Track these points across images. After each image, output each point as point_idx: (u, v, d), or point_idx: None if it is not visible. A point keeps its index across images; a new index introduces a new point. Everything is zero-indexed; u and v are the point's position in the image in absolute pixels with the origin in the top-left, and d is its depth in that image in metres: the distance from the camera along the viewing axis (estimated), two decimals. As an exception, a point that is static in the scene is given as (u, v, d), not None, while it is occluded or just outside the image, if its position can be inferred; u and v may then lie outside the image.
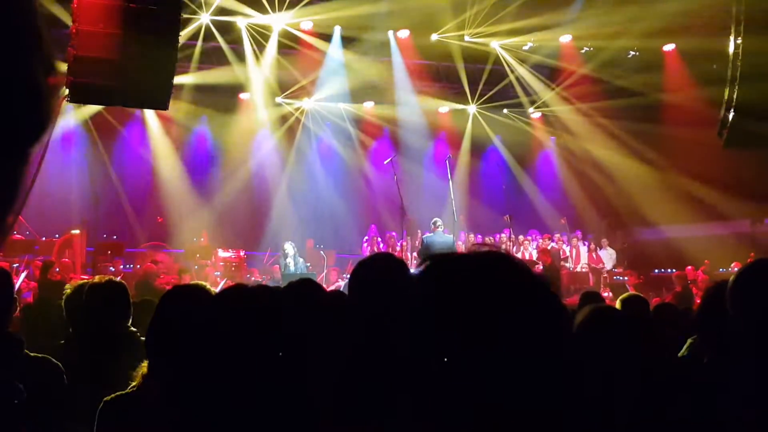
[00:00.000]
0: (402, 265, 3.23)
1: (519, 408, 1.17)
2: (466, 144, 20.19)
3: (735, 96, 11.00)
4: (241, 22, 15.80)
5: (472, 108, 19.77)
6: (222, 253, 15.80)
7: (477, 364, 1.18)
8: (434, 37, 16.48)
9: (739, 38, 10.98)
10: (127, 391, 2.71)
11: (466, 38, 16.61)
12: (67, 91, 9.82)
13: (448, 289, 1.24)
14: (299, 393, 1.95)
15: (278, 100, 18.49)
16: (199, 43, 16.00)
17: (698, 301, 3.17)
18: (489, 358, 1.18)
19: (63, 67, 9.58)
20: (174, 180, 18.27)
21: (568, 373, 1.22)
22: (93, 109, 17.05)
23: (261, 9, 15.49)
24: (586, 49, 16.96)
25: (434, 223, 13.61)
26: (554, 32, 16.35)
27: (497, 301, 1.21)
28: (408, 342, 1.26)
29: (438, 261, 1.30)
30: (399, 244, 16.33)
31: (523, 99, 19.20)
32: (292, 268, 14.69)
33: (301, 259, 15.16)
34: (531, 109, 19.68)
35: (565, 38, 16.66)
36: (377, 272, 3.07)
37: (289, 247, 15.00)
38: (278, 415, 1.90)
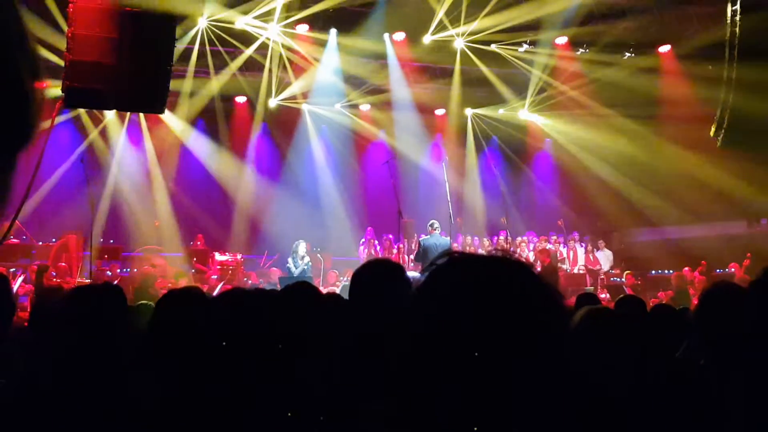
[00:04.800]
0: (400, 269, 3.25)
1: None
2: (462, 146, 20.20)
3: (731, 96, 11.02)
4: (237, 26, 15.79)
5: (468, 110, 19.80)
6: (219, 257, 15.77)
7: (481, 369, 1.18)
8: (429, 38, 16.48)
9: (735, 39, 11.00)
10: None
11: (462, 40, 16.62)
12: (62, 95, 9.83)
13: (464, 291, 1.24)
14: (294, 393, 1.95)
15: (274, 102, 18.48)
16: (196, 46, 16.01)
17: (695, 302, 3.18)
18: (494, 365, 1.18)
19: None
20: (170, 183, 18.28)
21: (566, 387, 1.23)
22: (90, 112, 17.05)
23: (258, 12, 15.49)
24: (581, 50, 16.97)
25: (431, 226, 13.59)
26: (550, 33, 16.36)
27: (513, 312, 1.21)
28: (408, 339, 1.26)
29: (457, 260, 1.30)
30: (395, 246, 16.32)
31: (519, 100, 19.22)
32: (296, 270, 14.55)
33: (308, 258, 15.03)
34: (526, 111, 19.68)
35: (561, 40, 16.68)
36: (377, 276, 3.07)
37: (302, 248, 14.91)
38: (274, 414, 1.91)
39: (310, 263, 14.85)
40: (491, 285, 1.23)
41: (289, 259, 14.93)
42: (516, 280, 1.25)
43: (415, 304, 1.29)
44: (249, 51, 16.60)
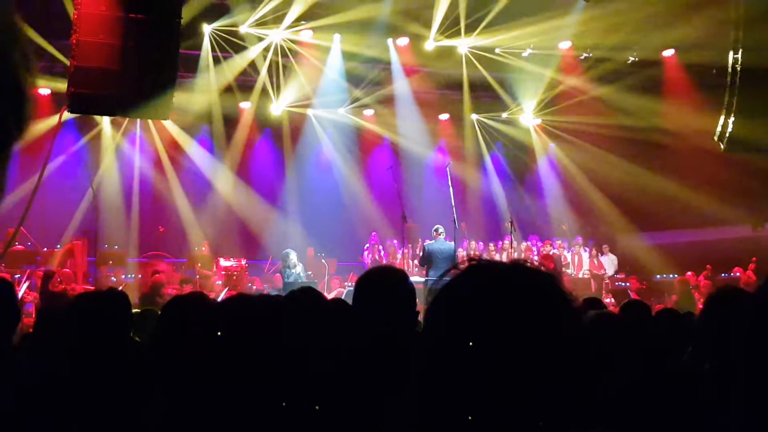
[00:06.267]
0: (404, 276, 3.27)
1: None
2: (466, 151, 20.18)
3: (735, 100, 11.00)
4: (242, 31, 15.82)
5: (473, 115, 19.81)
6: (223, 262, 15.78)
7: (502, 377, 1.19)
8: (433, 44, 16.50)
9: (739, 42, 10.99)
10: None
11: (466, 45, 16.64)
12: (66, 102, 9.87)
13: (485, 297, 1.24)
14: (297, 397, 1.95)
15: (278, 108, 18.48)
16: (200, 53, 16.05)
17: (700, 307, 3.17)
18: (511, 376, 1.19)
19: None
20: (175, 189, 18.29)
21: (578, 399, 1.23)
22: (94, 119, 17.07)
23: (261, 18, 15.53)
24: (585, 55, 16.97)
25: (435, 231, 13.59)
26: (553, 39, 16.37)
27: (534, 318, 1.22)
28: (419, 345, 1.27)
29: (476, 267, 1.30)
30: (400, 251, 16.31)
31: (523, 106, 19.22)
32: (291, 278, 14.50)
33: (301, 265, 14.96)
34: (531, 116, 19.66)
35: (564, 44, 16.69)
36: (380, 283, 3.08)
37: (292, 256, 14.87)
38: (278, 418, 1.91)
39: (301, 273, 14.72)
40: (512, 291, 1.24)
41: (283, 269, 14.95)
42: (536, 286, 1.26)
43: (436, 308, 1.29)
44: (253, 57, 16.63)
